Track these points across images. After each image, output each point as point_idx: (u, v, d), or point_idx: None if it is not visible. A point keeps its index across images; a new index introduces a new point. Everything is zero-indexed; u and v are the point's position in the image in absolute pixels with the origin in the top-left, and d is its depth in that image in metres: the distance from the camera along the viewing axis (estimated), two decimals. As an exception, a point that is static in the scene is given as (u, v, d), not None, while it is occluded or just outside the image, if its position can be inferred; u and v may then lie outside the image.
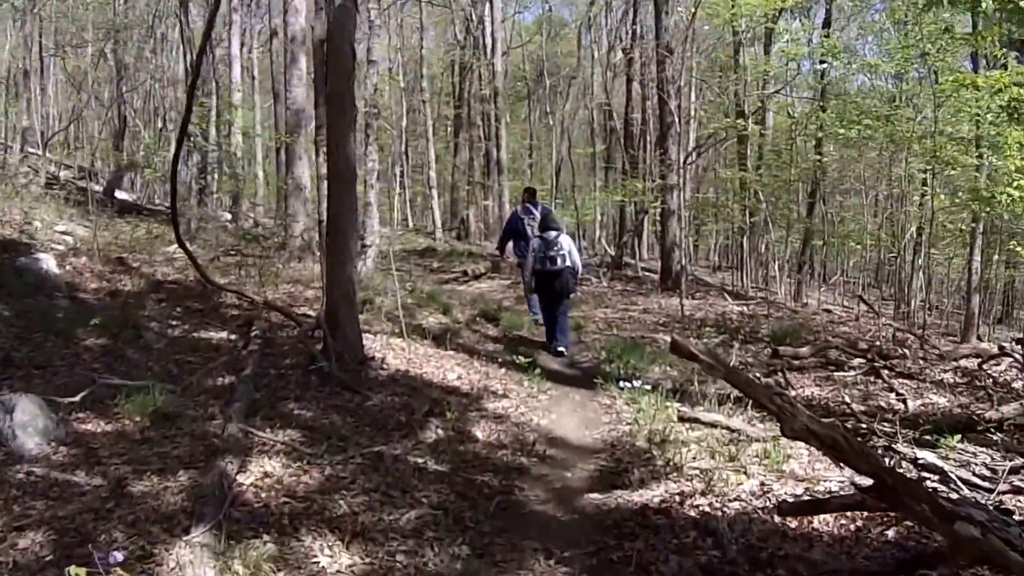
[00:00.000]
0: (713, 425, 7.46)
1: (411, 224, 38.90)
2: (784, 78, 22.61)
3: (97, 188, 22.40)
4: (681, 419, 7.48)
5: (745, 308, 15.84)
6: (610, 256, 25.82)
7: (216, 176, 20.99)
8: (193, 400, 7.92)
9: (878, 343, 11.91)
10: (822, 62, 21.23)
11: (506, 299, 17.09)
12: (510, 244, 14.63)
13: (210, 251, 15.38)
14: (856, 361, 10.88)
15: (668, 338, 12.49)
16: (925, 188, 18.25)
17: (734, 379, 5.13)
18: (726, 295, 17.58)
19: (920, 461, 6.55)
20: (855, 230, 21.97)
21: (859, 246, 19.06)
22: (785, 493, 6.17)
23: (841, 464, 5.77)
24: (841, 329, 13.99)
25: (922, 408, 8.88)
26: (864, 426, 7.84)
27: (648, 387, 8.92)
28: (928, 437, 7.38)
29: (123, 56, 27.67)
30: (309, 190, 17.12)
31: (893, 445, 7.13)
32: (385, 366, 9.51)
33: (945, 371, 10.87)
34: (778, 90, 22.87)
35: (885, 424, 7.95)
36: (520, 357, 10.29)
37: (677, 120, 15.58)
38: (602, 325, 13.71)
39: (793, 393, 9.26)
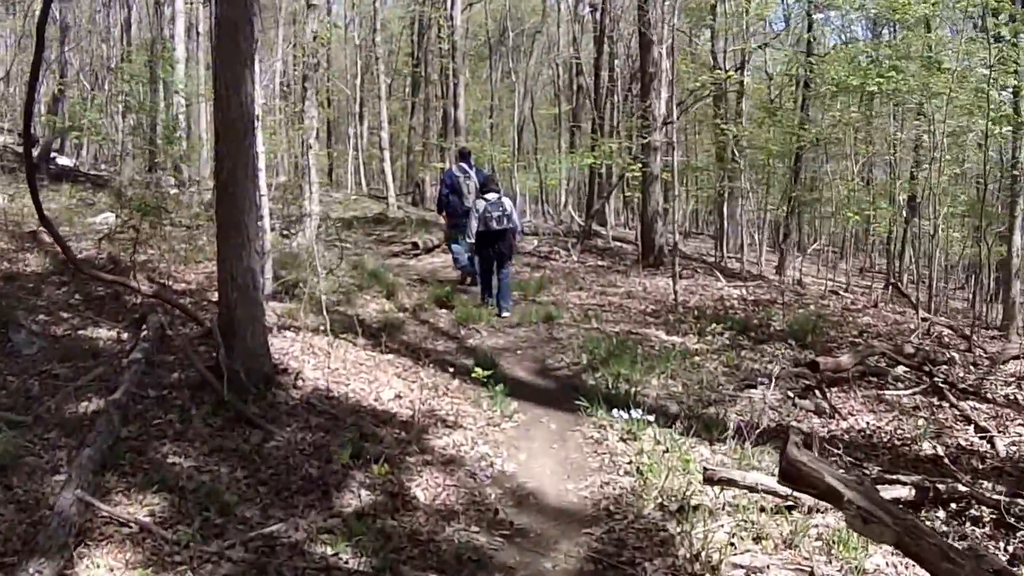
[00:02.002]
0: (753, 488, 5.16)
1: (365, 189, 36.41)
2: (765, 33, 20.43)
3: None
4: (708, 480, 5.17)
5: (744, 291, 13.57)
6: (578, 225, 23.44)
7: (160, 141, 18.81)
8: (41, 439, 5.81)
9: (924, 346, 9.68)
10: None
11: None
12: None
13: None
14: (900, 369, 8.71)
15: (663, 335, 10.37)
16: (930, 153, 16.16)
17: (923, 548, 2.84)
18: (718, 273, 15.26)
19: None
20: (850, 196, 19.75)
21: (855, 216, 16.86)
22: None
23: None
24: (864, 320, 11.77)
25: (1014, 449, 6.68)
26: (957, 484, 5.59)
27: (650, 417, 6.65)
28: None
29: (66, 15, 25.07)
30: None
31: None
32: (301, 382, 7.20)
33: (1008, 383, 8.73)
34: (765, 44, 20.54)
35: (972, 477, 5.76)
36: (478, 368, 7.95)
37: (667, 68, 13.08)
38: (578, 315, 11.35)
39: (845, 424, 7.02)
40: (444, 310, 11.71)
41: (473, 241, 11.80)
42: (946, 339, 11.02)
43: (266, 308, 9.34)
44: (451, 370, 8.35)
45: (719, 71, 17.74)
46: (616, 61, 25.68)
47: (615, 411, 6.83)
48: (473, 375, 7.86)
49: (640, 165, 15.98)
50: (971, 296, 18.24)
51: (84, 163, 25.31)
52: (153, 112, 17.99)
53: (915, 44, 15.44)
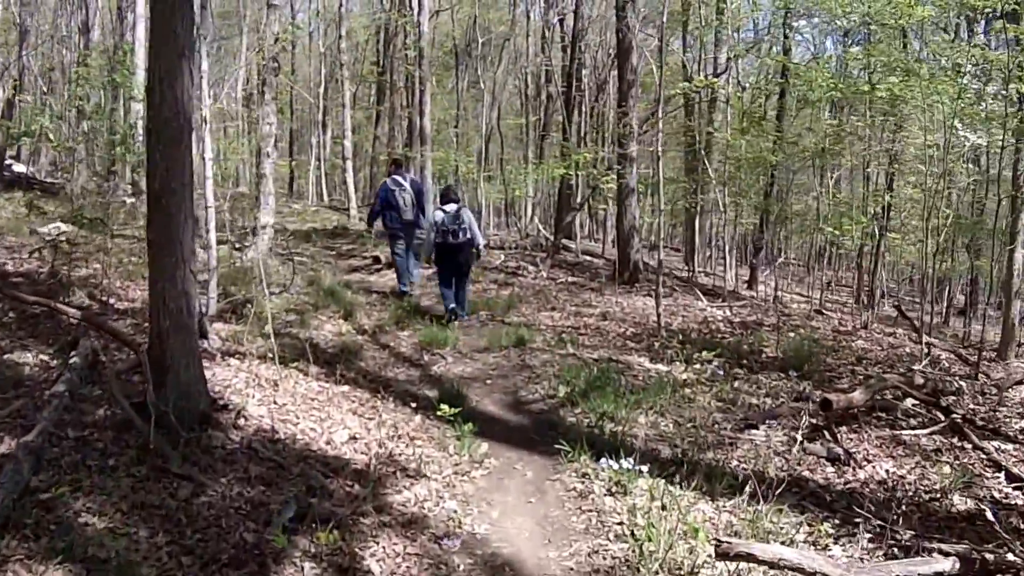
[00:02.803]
0: (775, 565, 4.31)
1: (327, 200, 35.45)
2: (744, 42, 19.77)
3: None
4: (722, 556, 4.30)
5: (728, 311, 12.78)
6: (545, 238, 22.59)
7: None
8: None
9: (929, 374, 8.90)
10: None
11: (426, 294, 13.93)
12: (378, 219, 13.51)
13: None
14: (909, 402, 7.93)
15: (647, 363, 9.54)
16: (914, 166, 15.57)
17: None
18: (698, 292, 14.48)
19: None
20: (832, 210, 19.08)
21: (834, 231, 16.13)
22: None
23: None
24: (859, 345, 11.01)
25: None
26: (1006, 553, 4.79)
27: (643, 467, 5.78)
28: None
29: (26, 19, 24.05)
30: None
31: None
32: (243, 421, 6.28)
33: (1022, 415, 7.97)
34: (747, 50, 19.86)
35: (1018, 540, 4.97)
36: (444, 405, 7.05)
37: (655, 75, 12.28)
38: (552, 338, 10.48)
39: (863, 474, 6.19)
40: (407, 332, 10.85)
41: (431, 254, 11.52)
42: (944, 362, 10.28)
43: (210, 331, 8.45)
44: (413, 405, 7.47)
45: (694, 80, 17.00)
46: (584, 71, 24.98)
47: (602, 460, 5.94)
48: (439, 412, 6.97)
49: (616, 176, 15.18)
50: (965, 316, 17.55)
51: (41, 170, 24.17)
52: (110, 118, 17.07)
53: (893, 54, 14.75)
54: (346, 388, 7.61)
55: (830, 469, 6.27)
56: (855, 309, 15.09)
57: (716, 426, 7.13)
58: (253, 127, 25.45)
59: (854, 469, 6.24)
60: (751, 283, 20.40)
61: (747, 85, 23.39)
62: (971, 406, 8.26)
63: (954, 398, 8.41)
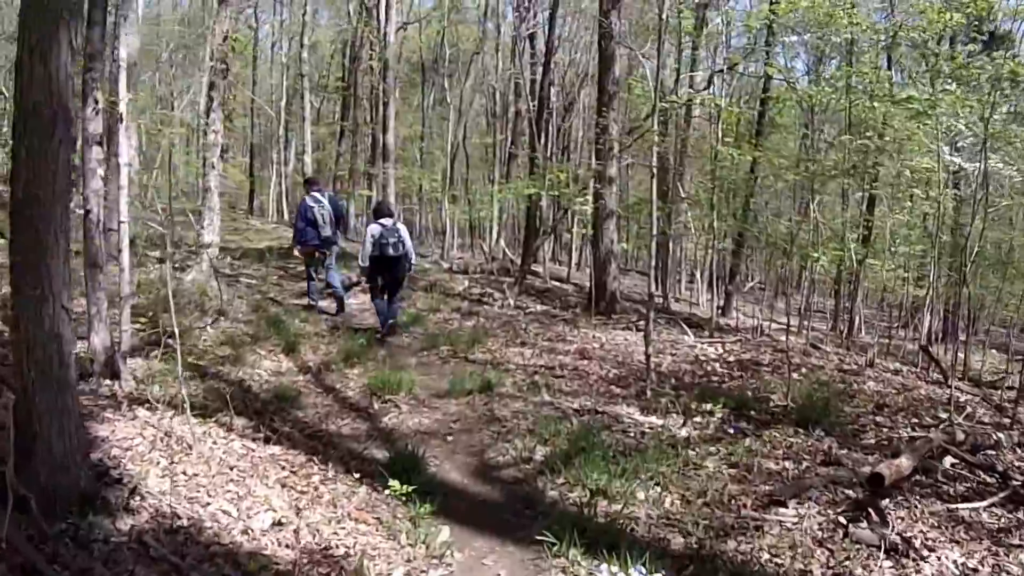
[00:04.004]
0: None
1: (288, 217, 34.07)
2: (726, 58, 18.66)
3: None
4: None
5: (720, 347, 11.46)
6: (511, 261, 21.24)
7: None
8: None
9: (966, 427, 7.64)
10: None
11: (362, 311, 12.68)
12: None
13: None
14: (948, 461, 6.67)
15: (638, 415, 8.18)
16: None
17: None
18: (683, 325, 13.14)
19: None
20: (813, 236, 18.01)
21: (819, 259, 14.98)
22: None
23: None
24: (872, 387, 9.67)
25: None
26: None
27: (645, 569, 4.44)
28: None
29: None
30: (135, 168, 12.90)
31: None
32: (137, 501, 4.85)
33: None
34: (731, 66, 18.72)
35: None
36: (396, 478, 5.64)
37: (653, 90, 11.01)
38: (523, 380, 9.09)
39: (928, 568, 4.86)
40: (356, 369, 9.47)
41: (365, 265, 11.40)
42: (967, 406, 9.01)
43: (123, 370, 7.08)
44: (358, 473, 6.03)
45: (672, 97, 15.80)
46: (553, 89, 23.88)
47: (600, 564, 4.58)
48: (389, 487, 5.58)
49: (592, 197, 13.87)
50: (946, 342, 16.43)
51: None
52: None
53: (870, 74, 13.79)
54: (276, 450, 6.18)
55: (887, 564, 4.92)
56: (847, 342, 13.84)
57: (733, 502, 5.76)
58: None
59: (916, 561, 4.91)
60: (724, 310, 19.44)
61: (727, 100, 22.43)
62: (1014, 462, 7.01)
63: (993, 452, 7.18)
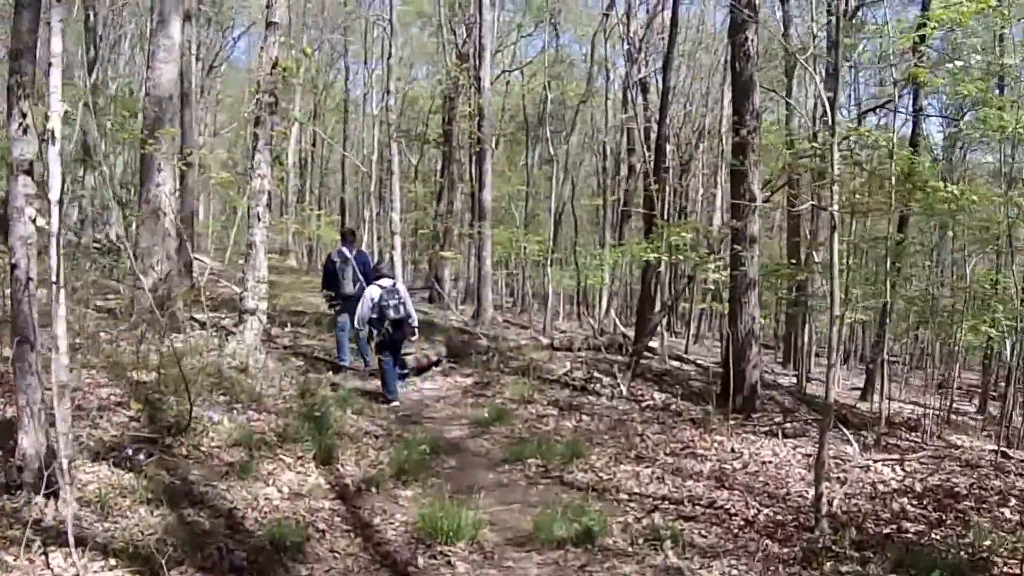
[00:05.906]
0: None
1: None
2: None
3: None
4: None
5: (899, 467, 8.31)
6: (623, 337, 18.21)
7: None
8: None
9: None
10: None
11: (464, 419, 9.94)
12: None
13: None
14: None
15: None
16: None
17: None
18: (841, 427, 9.88)
19: None
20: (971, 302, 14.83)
21: (991, 330, 11.93)
22: None
23: None
24: None
25: None
26: None
27: None
28: None
29: None
30: (172, 218, 10.82)
31: None
32: None
33: None
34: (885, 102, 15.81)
35: None
36: None
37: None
38: (638, 524, 6.23)
39: None
40: (409, 491, 6.83)
41: (361, 329, 11.30)
42: None
43: (66, 487, 4.77)
44: None
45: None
46: (667, 146, 21.37)
47: None
48: None
49: (726, 263, 11.01)
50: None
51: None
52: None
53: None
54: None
55: None
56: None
57: None
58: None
59: None
60: (865, 393, 16.49)
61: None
62: None
63: None
